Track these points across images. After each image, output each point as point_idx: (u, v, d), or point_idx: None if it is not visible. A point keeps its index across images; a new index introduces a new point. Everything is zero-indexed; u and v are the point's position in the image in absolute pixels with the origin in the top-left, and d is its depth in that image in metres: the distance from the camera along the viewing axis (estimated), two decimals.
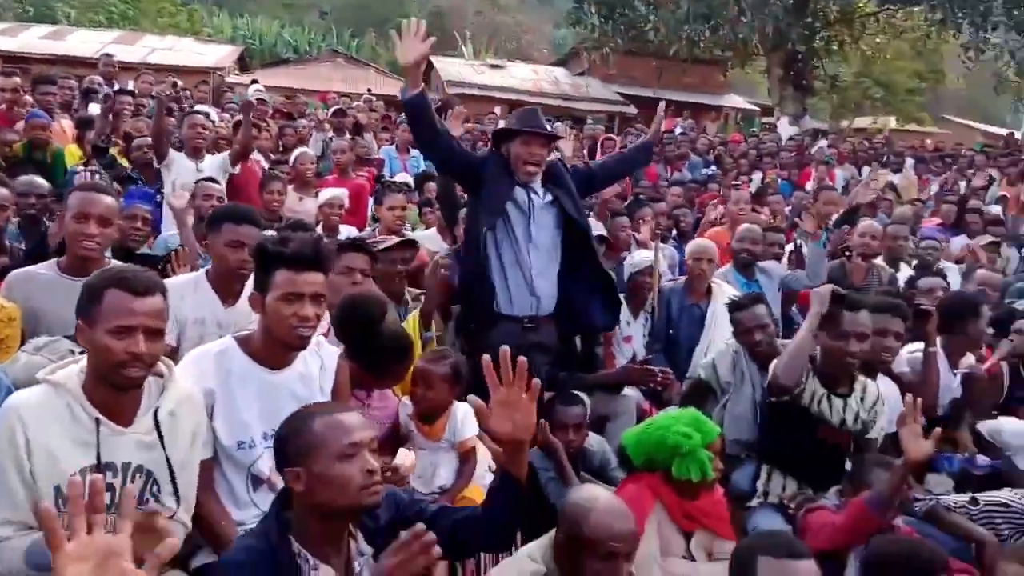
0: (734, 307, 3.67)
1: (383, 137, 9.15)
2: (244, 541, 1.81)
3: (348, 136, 8.12)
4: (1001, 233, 7.40)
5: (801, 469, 3.07)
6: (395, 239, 4.05)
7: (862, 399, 3.08)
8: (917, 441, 2.54)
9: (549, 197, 3.45)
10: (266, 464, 2.16)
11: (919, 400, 2.63)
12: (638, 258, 4.55)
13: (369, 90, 13.94)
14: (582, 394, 3.37)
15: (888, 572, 2.00)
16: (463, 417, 2.72)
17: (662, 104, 4.46)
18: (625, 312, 4.54)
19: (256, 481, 2.23)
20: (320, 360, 2.31)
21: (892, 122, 24.74)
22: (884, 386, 3.25)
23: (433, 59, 24.58)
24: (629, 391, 3.92)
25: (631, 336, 4.50)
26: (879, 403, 3.07)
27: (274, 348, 2.19)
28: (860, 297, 3.14)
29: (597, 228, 4.85)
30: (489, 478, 2.77)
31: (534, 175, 3.39)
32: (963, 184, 10.89)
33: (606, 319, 3.75)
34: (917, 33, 20.09)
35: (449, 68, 23.71)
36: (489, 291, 3.36)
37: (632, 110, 21.79)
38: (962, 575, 2.68)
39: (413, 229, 5.57)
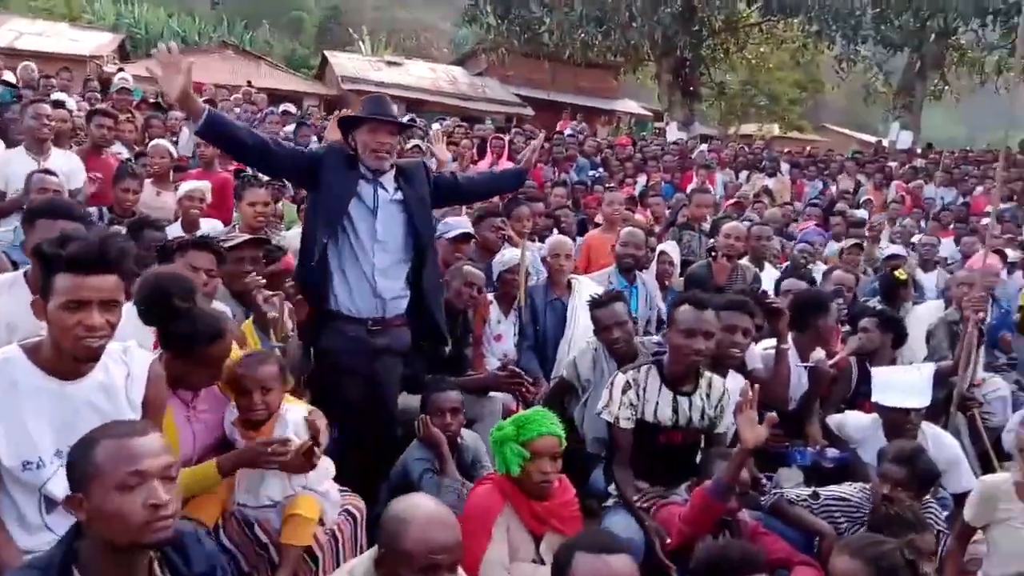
0: (594, 304, 3.68)
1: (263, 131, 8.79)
2: (20, 572, 1.63)
3: None
4: (864, 235, 7.82)
5: (650, 469, 3.08)
6: (243, 236, 3.83)
7: (707, 395, 3.12)
8: (753, 428, 2.58)
9: (399, 195, 3.30)
10: (60, 485, 1.95)
11: (755, 388, 2.67)
12: (507, 256, 4.50)
13: (249, 82, 13.37)
14: None
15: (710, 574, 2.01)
16: (294, 424, 2.56)
17: (541, 136, 4.49)
18: (495, 311, 4.50)
19: (50, 503, 2.01)
20: (126, 367, 2.11)
21: (776, 129, 26.00)
22: (733, 383, 3.30)
23: (329, 54, 24.09)
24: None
25: (502, 335, 4.46)
26: (725, 398, 3.12)
27: (63, 357, 1.98)
28: (705, 296, 3.18)
29: None
30: (328, 485, 2.65)
31: (382, 163, 3.24)
32: (833, 189, 11.50)
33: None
34: (796, 44, 21.12)
35: (346, 64, 23.22)
36: (330, 292, 3.20)
37: (529, 112, 21.94)
38: (804, 567, 2.75)
39: (289, 228, 5.34)
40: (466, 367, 4.07)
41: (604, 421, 3.19)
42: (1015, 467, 2.90)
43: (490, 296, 4.54)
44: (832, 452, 3.62)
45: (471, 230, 4.63)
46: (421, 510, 1.86)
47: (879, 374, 3.62)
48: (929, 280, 6.88)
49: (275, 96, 14.15)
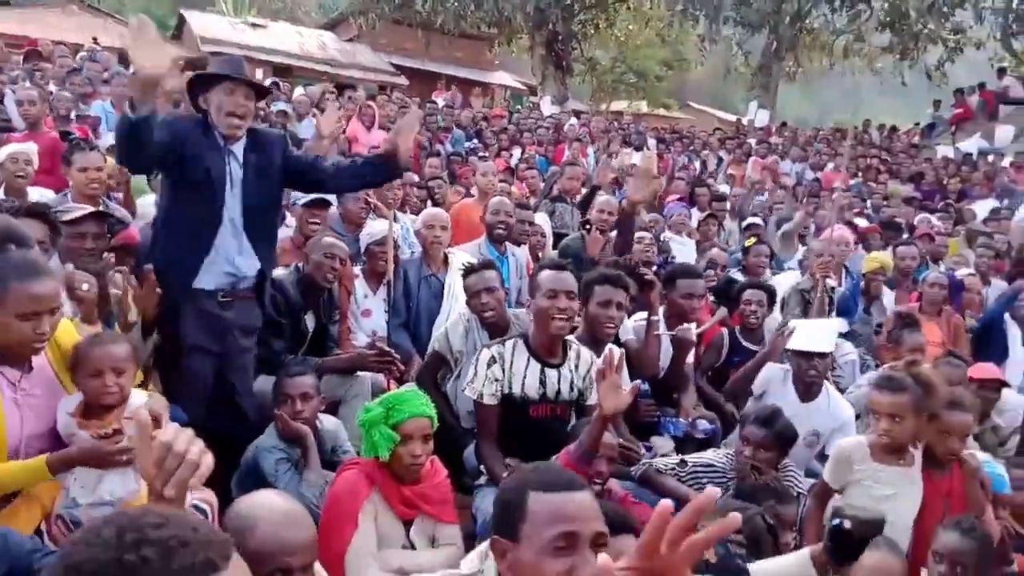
0: (466, 272, 3.59)
1: (103, 92, 8.07)
2: None
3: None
4: (726, 208, 8.14)
5: (520, 445, 3.02)
6: (86, 209, 3.45)
7: (576, 367, 3.08)
8: (613, 394, 2.56)
9: (248, 163, 3.05)
10: None
11: (617, 353, 2.63)
12: (375, 228, 4.30)
13: (95, 39, 12.25)
14: None
15: None
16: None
17: (414, 109, 4.26)
18: (363, 286, 4.31)
19: None
20: None
21: (644, 106, 26.74)
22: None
23: (187, 14, 22.49)
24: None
25: (370, 310, 4.27)
26: (594, 369, 3.09)
27: None
28: (568, 263, 3.15)
29: None
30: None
31: (238, 129, 2.98)
32: (698, 164, 11.92)
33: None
34: (662, 23, 21.69)
35: (205, 25, 21.74)
36: (181, 264, 2.96)
37: (402, 81, 21.44)
38: None
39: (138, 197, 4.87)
40: (331, 346, 3.87)
41: None
42: (868, 429, 3.04)
43: (357, 270, 4.35)
44: (703, 424, 3.71)
45: (326, 195, 4.36)
46: (268, 508, 1.68)
47: (794, 323, 3.81)
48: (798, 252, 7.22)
49: (125, 56, 13.02)
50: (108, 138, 5.67)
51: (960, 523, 2.54)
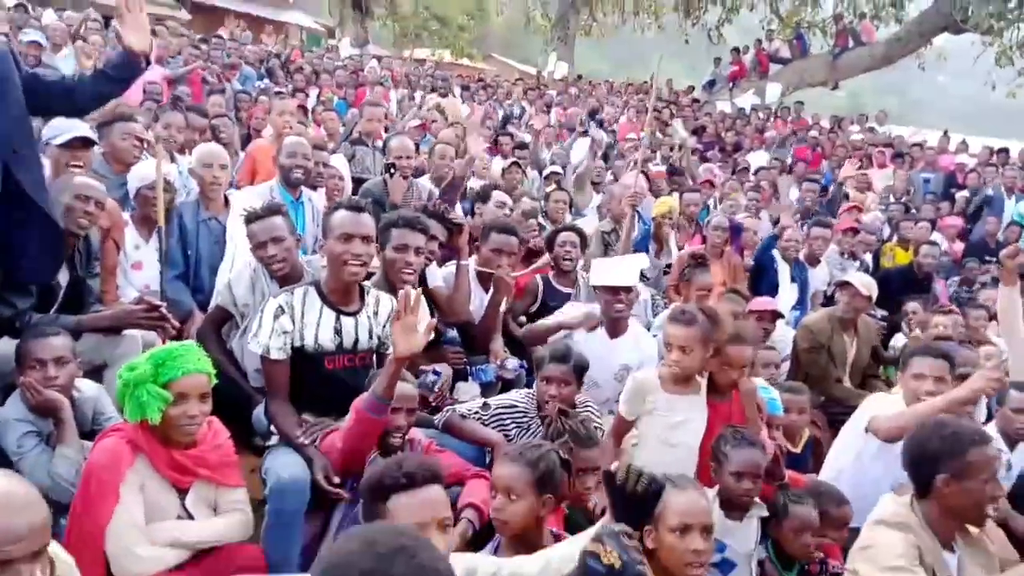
0: (249, 219, 3.24)
1: None
2: None
3: None
4: (525, 157, 8.21)
5: (316, 398, 2.81)
6: None
7: (375, 313, 2.90)
8: (408, 336, 2.43)
9: None
10: None
11: (413, 293, 2.49)
12: (145, 170, 3.79)
13: None
14: None
15: (379, 493, 1.83)
16: None
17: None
18: (133, 235, 3.81)
19: None
20: None
21: (448, 55, 26.45)
22: None
23: None
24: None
25: (141, 262, 3.79)
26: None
27: None
28: (363, 202, 2.93)
29: None
30: None
31: None
32: (501, 113, 11.95)
33: (43, 269, 2.95)
34: None
35: None
36: None
37: (184, 15, 19.54)
38: (476, 479, 2.71)
39: None
40: (91, 303, 3.37)
41: None
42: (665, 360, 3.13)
43: (127, 217, 3.83)
44: (512, 362, 3.69)
45: (87, 133, 3.77)
46: None
47: (596, 263, 3.85)
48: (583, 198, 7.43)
49: None
50: None
51: (745, 437, 2.75)
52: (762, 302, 4.81)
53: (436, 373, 3.24)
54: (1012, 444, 3.72)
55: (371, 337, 2.88)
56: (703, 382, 3.05)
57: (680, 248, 5.84)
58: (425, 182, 5.39)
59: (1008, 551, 2.95)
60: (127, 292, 3.68)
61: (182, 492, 2.32)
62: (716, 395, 3.05)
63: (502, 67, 27.21)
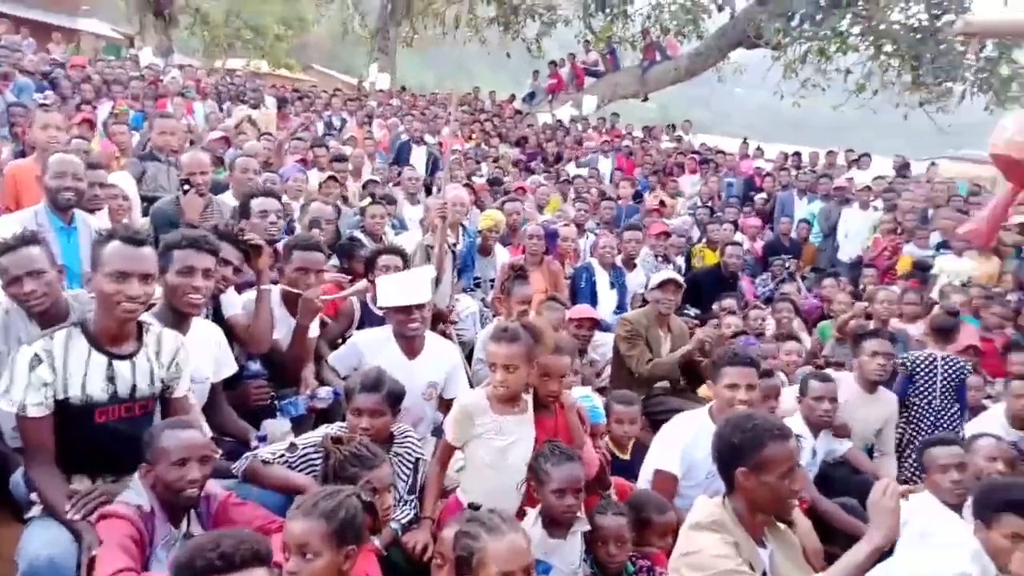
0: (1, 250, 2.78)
1: None
2: None
3: None
4: (347, 169, 7.91)
5: (89, 459, 2.42)
6: None
7: (157, 354, 2.54)
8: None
9: None
10: None
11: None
12: None
13: None
14: None
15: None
16: None
17: None
18: None
19: None
20: None
21: (264, 66, 25.33)
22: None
23: None
24: None
25: None
26: (180, 353, 2.59)
27: None
28: (141, 234, 2.57)
29: None
30: None
31: None
32: (321, 125, 11.51)
33: None
34: None
35: None
36: None
37: None
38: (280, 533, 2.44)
39: None
40: None
41: None
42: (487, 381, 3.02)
43: None
44: (324, 391, 3.43)
45: None
46: None
47: (380, 282, 3.61)
48: (415, 212, 7.24)
49: None
50: None
51: (564, 452, 2.70)
52: (582, 310, 4.85)
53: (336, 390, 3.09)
54: (816, 431, 3.97)
55: (152, 382, 2.50)
56: (529, 399, 2.97)
57: None
58: (227, 198, 4.98)
59: (812, 539, 3.10)
60: None
61: None
62: (541, 410, 2.98)
63: (323, 78, 26.48)
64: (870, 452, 4.38)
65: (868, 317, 5.81)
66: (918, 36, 14.80)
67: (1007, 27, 6.05)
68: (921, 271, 7.31)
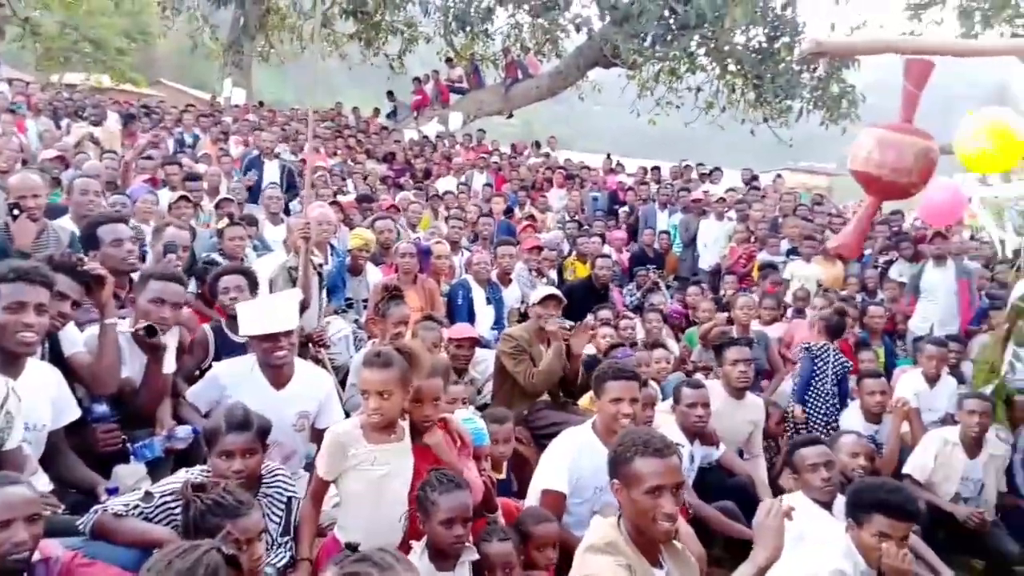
0: None
1: None
2: None
3: None
4: (203, 188, 7.44)
5: None
6: None
7: None
8: None
9: None
10: None
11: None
12: None
13: None
14: None
15: None
16: None
17: None
18: None
19: None
20: None
21: (106, 80, 23.69)
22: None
23: None
24: None
25: None
26: (11, 401, 2.29)
27: None
28: None
29: None
30: None
31: None
32: (171, 142, 10.84)
33: None
34: None
35: None
36: None
37: None
38: None
39: None
40: None
41: None
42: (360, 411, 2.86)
43: None
44: (182, 430, 3.15)
45: None
46: None
47: (241, 309, 3.37)
48: (277, 232, 6.89)
49: None
50: None
51: (452, 480, 2.65)
52: (461, 328, 4.77)
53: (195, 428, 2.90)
54: (691, 438, 4.06)
55: None
56: (406, 426, 2.85)
57: None
58: (66, 223, 4.54)
59: (694, 544, 3.14)
60: None
61: None
62: (416, 436, 2.86)
63: (173, 93, 25.13)
64: (740, 454, 4.55)
65: (730, 322, 6.09)
66: (759, 57, 15.88)
67: (858, 47, 6.51)
68: (770, 269, 7.75)
